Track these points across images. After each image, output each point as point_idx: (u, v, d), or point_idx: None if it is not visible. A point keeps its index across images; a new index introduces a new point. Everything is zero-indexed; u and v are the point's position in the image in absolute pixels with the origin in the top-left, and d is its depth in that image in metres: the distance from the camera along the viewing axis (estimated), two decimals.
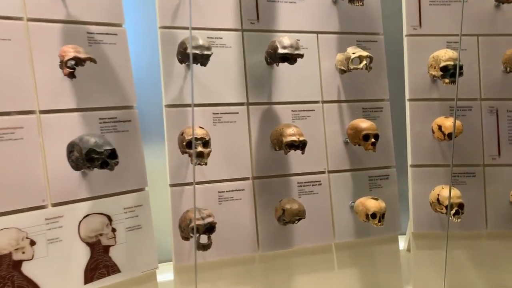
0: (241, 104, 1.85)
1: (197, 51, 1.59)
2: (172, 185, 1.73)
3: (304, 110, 1.95)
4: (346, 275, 1.99)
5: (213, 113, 1.80)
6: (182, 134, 1.60)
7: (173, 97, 1.75)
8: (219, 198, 1.79)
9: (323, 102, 1.99)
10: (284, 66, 1.83)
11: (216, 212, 1.74)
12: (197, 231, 1.52)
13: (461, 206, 1.86)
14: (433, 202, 1.97)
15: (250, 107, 1.86)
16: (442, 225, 2.03)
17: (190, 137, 1.55)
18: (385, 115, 2.08)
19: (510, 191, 2.04)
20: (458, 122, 1.93)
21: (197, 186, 1.76)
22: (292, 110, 1.93)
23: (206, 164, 1.57)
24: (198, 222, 1.52)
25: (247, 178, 1.84)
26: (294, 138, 1.69)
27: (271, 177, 1.88)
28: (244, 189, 1.83)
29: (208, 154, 1.57)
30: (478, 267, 2.10)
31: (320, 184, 1.95)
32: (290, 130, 1.72)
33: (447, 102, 2.08)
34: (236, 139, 1.83)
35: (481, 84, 2.10)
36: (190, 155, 1.55)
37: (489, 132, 2.09)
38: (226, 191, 1.80)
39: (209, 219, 1.54)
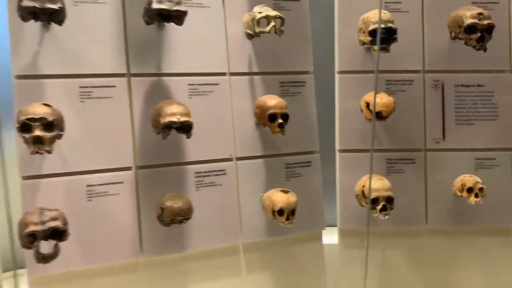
0: (120, 75, 1.48)
1: (35, 4, 1.21)
2: (24, 178, 1.38)
3: (205, 84, 1.59)
4: (257, 280, 1.68)
5: (80, 87, 1.43)
6: (19, 113, 1.23)
7: (25, 65, 1.38)
8: (88, 194, 1.44)
9: (231, 74, 1.63)
10: (178, 29, 1.46)
11: (84, 211, 1.43)
12: (36, 238, 1.18)
13: (389, 200, 1.55)
14: (358, 195, 1.65)
15: (132, 79, 1.50)
16: (372, 221, 1.72)
17: (24, 118, 1.19)
18: (308, 91, 1.74)
19: (453, 181, 1.74)
20: (389, 98, 1.60)
21: (58, 179, 1.41)
22: (189, 84, 1.57)
23: (49, 152, 1.21)
24: (35, 228, 1.17)
25: (128, 168, 1.50)
26: (173, 118, 1.34)
27: (161, 166, 1.54)
28: (123, 182, 1.48)
29: (52, 139, 1.21)
30: (417, 268, 1.81)
31: (225, 174, 1.62)
32: (171, 109, 1.36)
33: (385, 75, 1.75)
34: (112, 119, 1.47)
35: (424, 54, 1.77)
36: (26, 141, 1.19)
37: (433, 111, 1.77)
38: (98, 185, 1.45)
39: (52, 224, 1.19)
